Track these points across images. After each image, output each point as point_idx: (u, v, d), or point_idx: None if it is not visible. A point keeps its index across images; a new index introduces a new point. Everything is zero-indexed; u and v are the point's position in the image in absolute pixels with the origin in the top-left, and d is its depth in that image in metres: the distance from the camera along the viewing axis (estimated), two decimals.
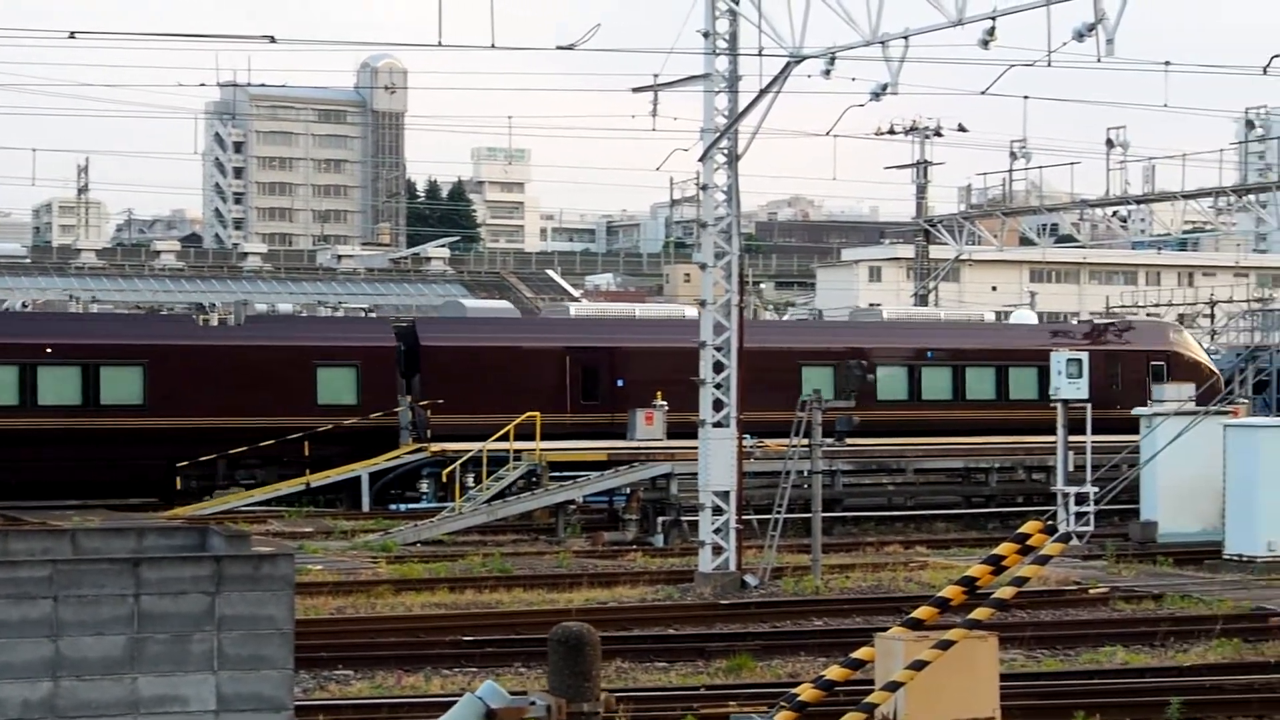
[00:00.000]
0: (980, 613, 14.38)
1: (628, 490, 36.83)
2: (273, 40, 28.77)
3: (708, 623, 24.01)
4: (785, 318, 68.87)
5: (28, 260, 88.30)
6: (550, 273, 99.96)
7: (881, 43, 25.35)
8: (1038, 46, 24.51)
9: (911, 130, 65.82)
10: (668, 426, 41.79)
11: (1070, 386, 33.83)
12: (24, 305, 46.02)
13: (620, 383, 43.72)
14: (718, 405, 27.12)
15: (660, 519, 35.73)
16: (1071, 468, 33.59)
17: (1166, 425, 30.53)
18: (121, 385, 41.11)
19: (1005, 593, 14.54)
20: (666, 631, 23.06)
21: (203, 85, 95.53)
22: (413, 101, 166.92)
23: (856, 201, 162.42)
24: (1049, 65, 24.85)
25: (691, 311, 39.54)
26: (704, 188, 27.48)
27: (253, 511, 39.52)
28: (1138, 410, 35.83)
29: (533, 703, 11.58)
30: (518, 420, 38.70)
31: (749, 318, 61.21)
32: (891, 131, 65.33)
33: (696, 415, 27.25)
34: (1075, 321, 55.10)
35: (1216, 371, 50.71)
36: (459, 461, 39.22)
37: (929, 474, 39.95)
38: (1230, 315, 78.67)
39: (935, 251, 68.19)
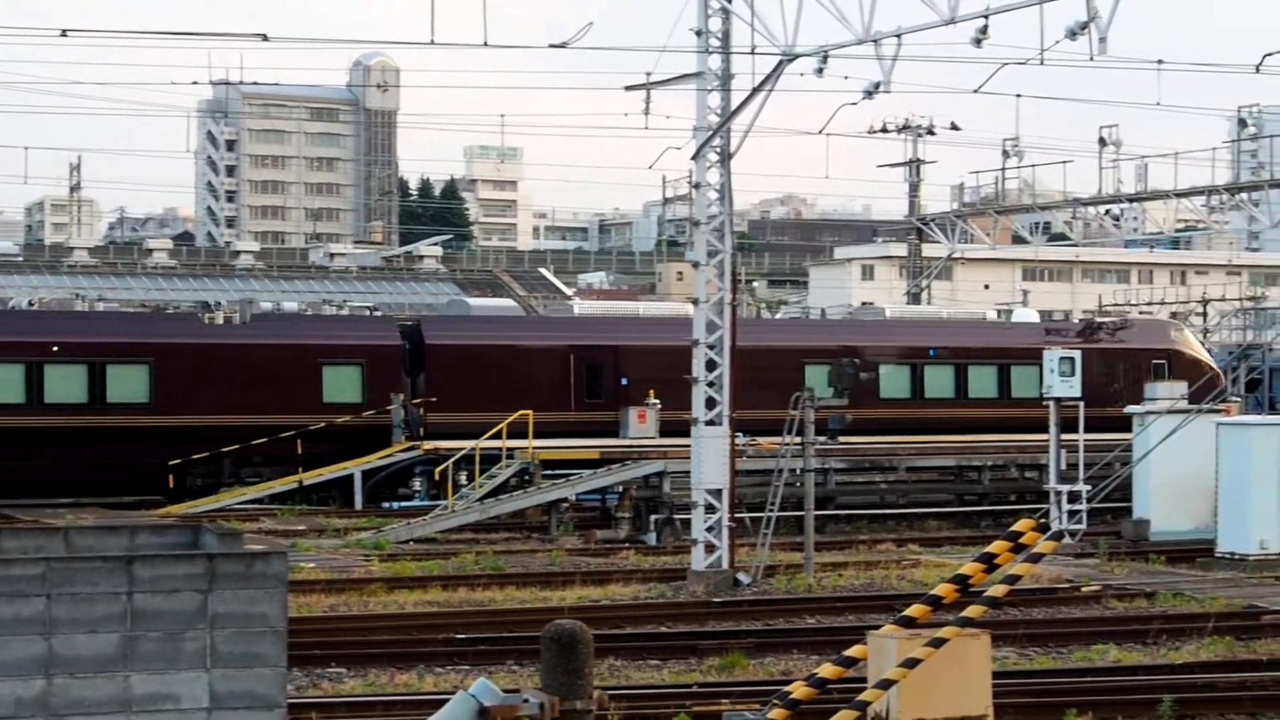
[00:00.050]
0: (973, 610, 14.40)
1: (620, 488, 36.84)
2: (265, 38, 28.75)
3: (700, 621, 24.01)
4: (788, 316, 68.86)
5: (20, 258, 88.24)
6: (543, 271, 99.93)
7: (874, 41, 25.36)
8: (1030, 45, 24.55)
9: (904, 128, 65.83)
10: (669, 424, 41.83)
11: (1063, 385, 33.79)
12: (30, 304, 46.07)
13: (624, 381, 43.84)
14: (710, 403, 27.15)
15: (653, 517, 35.76)
16: (1064, 466, 33.58)
17: (1159, 423, 30.57)
18: (127, 383, 41.24)
19: (997, 591, 14.56)
20: (659, 629, 23.07)
21: (195, 83, 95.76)
22: (405, 100, 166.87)
23: (849, 200, 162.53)
24: (1042, 64, 24.89)
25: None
26: (697, 186, 27.50)
27: (245, 510, 39.51)
28: (1130, 408, 35.89)
29: (526, 700, 11.59)
30: (510, 419, 38.73)
31: (752, 317, 61.67)
32: (884, 130, 65.33)
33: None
34: (1077, 320, 55.16)
35: (1217, 370, 50.85)
36: (451, 459, 39.23)
37: (921, 472, 39.99)
38: (1222, 314, 78.76)
39: (928, 250, 68.17)
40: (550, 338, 45.16)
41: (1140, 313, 71.93)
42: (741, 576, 26.97)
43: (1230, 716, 17.35)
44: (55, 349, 40.78)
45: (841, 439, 38.93)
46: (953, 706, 14.51)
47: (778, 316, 68.57)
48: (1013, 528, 14.69)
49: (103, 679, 10.03)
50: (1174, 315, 73.60)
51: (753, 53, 26.62)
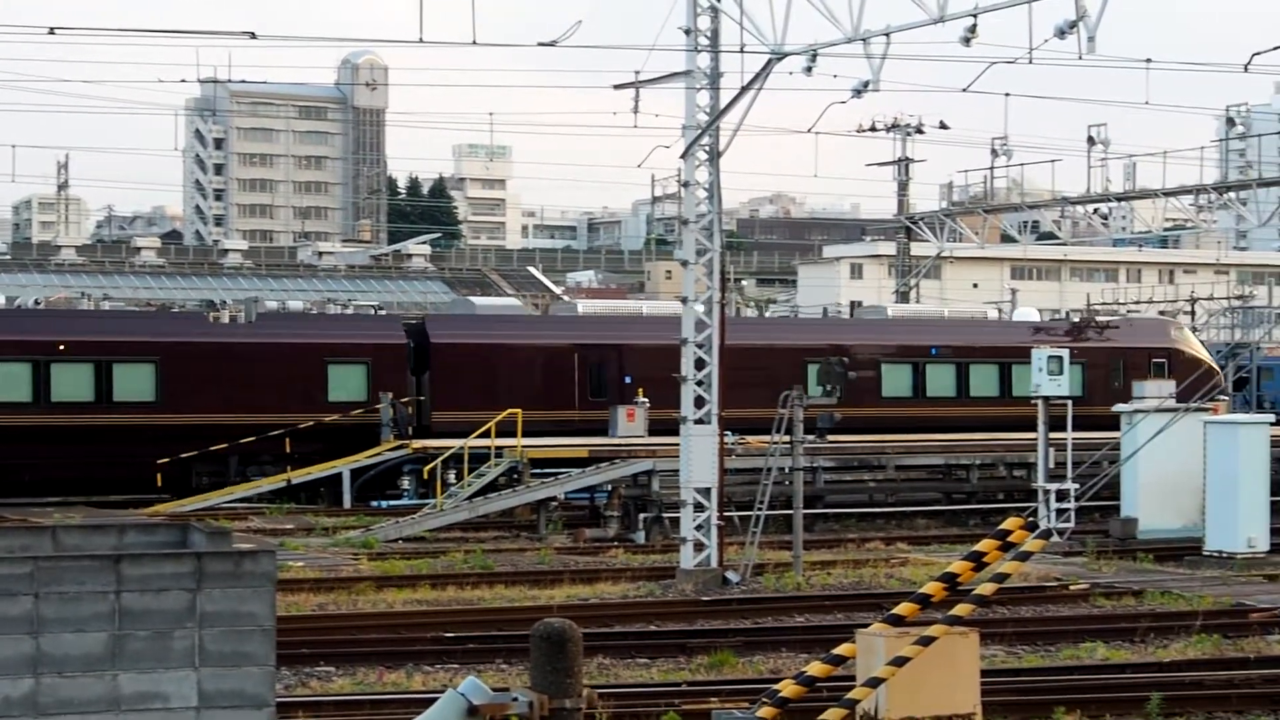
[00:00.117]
0: (961, 609, 14.42)
1: (609, 487, 36.84)
2: (253, 36, 28.72)
3: (689, 619, 24.01)
4: (795, 315, 68.96)
5: (8, 257, 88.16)
6: (531, 269, 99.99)
7: (863, 40, 25.38)
8: (1019, 44, 24.59)
9: (893, 127, 65.92)
10: (670, 423, 41.95)
11: (1051, 383, 33.79)
12: (36, 302, 46.18)
13: (628, 379, 43.97)
14: (699, 402, 27.16)
15: (642, 515, 35.75)
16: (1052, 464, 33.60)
17: (1147, 422, 30.61)
18: (134, 382, 41.34)
19: (986, 589, 14.57)
20: (648, 628, 23.06)
21: (183, 81, 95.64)
22: (394, 98, 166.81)
23: (838, 198, 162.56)
24: (1030, 62, 24.94)
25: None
26: (685, 185, 27.51)
27: (234, 508, 39.51)
28: (1118, 407, 35.93)
29: (515, 699, 11.58)
30: (499, 416, 38.76)
31: (754, 315, 61.77)
32: (873, 128, 65.45)
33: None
34: (1076, 318, 55.31)
35: (1217, 368, 51.05)
36: (440, 458, 39.25)
37: (910, 471, 40.03)
38: (1211, 312, 78.86)
39: (916, 249, 68.29)
40: (555, 337, 45.48)
41: (1129, 312, 72.06)
42: (730, 575, 26.97)
43: (1218, 714, 17.37)
44: (62, 348, 40.95)
45: (830, 437, 39.03)
46: (941, 704, 14.52)
47: (781, 315, 68.67)
48: (1001, 526, 14.70)
49: (91, 678, 10.01)
50: (1161, 314, 73.71)
51: (742, 51, 26.63)
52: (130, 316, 44.78)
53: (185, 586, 10.18)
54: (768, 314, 72.68)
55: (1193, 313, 78.49)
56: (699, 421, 27.15)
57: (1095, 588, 26.67)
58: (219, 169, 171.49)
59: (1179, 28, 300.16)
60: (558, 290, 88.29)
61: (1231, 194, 51.73)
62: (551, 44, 28.06)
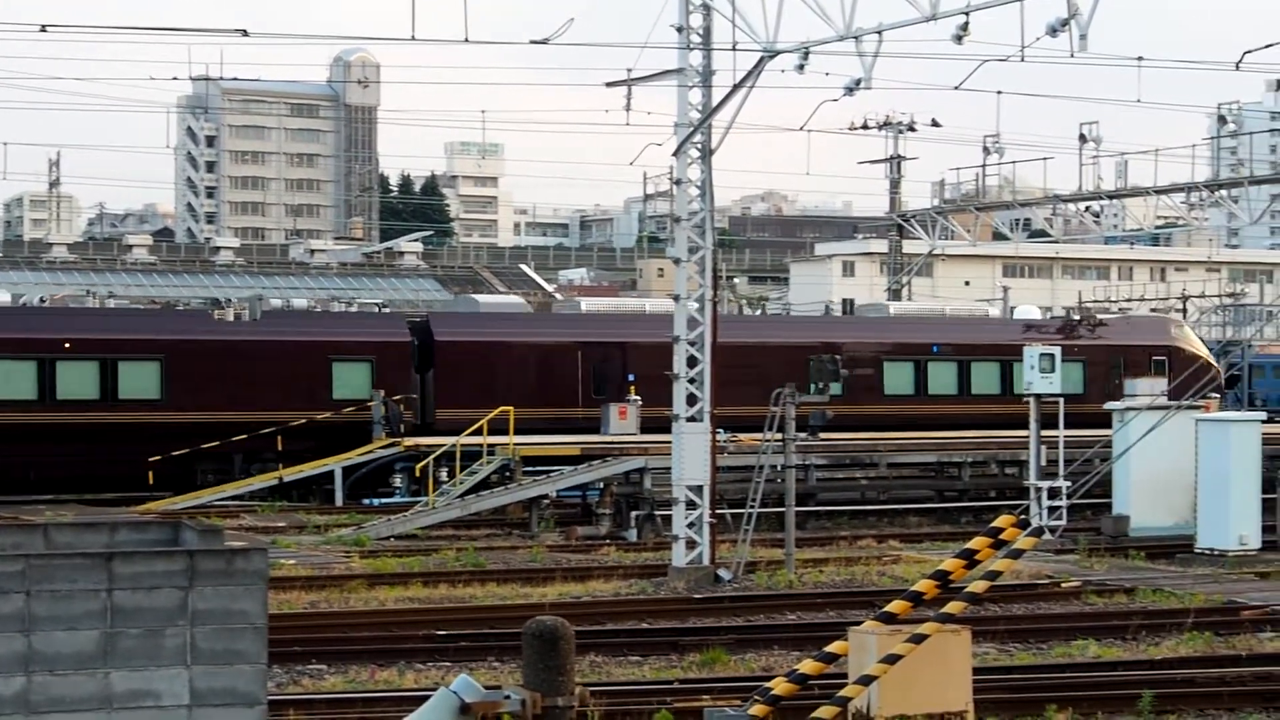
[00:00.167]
0: (953, 606, 14.43)
1: (601, 485, 36.84)
2: (245, 34, 28.69)
3: (681, 617, 24.02)
4: (783, 312, 69.01)
5: None
6: (524, 267, 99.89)
7: (855, 38, 25.37)
8: (1011, 42, 24.59)
9: (885, 125, 65.91)
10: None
11: (1042, 381, 33.81)
12: (41, 300, 46.22)
13: (631, 377, 44.05)
14: (691, 400, 27.16)
15: (634, 513, 35.76)
16: (1044, 462, 33.61)
17: (1139, 419, 30.61)
18: (139, 380, 41.40)
19: (978, 587, 14.58)
20: (640, 626, 23.05)
21: (175, 79, 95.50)
22: (386, 96, 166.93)
23: (830, 196, 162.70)
24: (1022, 60, 24.93)
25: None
26: (678, 182, 27.50)
27: (225, 506, 39.49)
28: (1109, 405, 35.96)
29: (507, 696, 11.59)
30: (491, 414, 38.78)
31: (756, 314, 61.75)
32: (865, 126, 65.45)
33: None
34: (1078, 316, 55.41)
35: (1217, 366, 51.15)
36: (432, 456, 39.25)
37: (902, 468, 40.05)
38: (1202, 310, 78.95)
39: (908, 246, 68.30)
40: (558, 334, 45.67)
41: (1120, 309, 72.10)
42: (722, 573, 26.97)
43: (1209, 712, 17.39)
44: (67, 345, 40.99)
45: (831, 435, 39.12)
46: (933, 702, 14.53)
47: (778, 314, 68.71)
48: (993, 524, 14.71)
49: (83, 676, 10.00)
50: (1153, 311, 73.78)
51: (734, 49, 26.64)
52: (135, 315, 44.89)
53: (177, 584, 10.17)
54: (769, 312, 72.69)
55: (1184, 311, 78.57)
56: (691, 419, 27.13)
57: (1087, 585, 26.70)
58: (211, 166, 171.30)
59: (1171, 26, 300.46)
60: (550, 288, 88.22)
61: (1223, 192, 51.79)
62: (544, 42, 28.06)
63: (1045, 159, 59.03)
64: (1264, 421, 33.38)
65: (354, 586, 26.22)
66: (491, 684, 13.43)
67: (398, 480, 41.41)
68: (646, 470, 35.88)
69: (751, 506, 27.33)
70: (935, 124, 65.70)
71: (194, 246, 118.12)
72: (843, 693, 14.07)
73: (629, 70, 28.73)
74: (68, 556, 10.28)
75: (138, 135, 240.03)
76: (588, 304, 50.93)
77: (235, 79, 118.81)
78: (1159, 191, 51.48)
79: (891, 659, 13.93)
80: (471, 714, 11.33)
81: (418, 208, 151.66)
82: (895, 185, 67.25)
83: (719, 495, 28.09)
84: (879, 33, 25.20)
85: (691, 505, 26.98)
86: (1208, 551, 30.28)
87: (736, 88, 26.50)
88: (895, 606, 14.51)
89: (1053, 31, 23.36)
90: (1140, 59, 36.03)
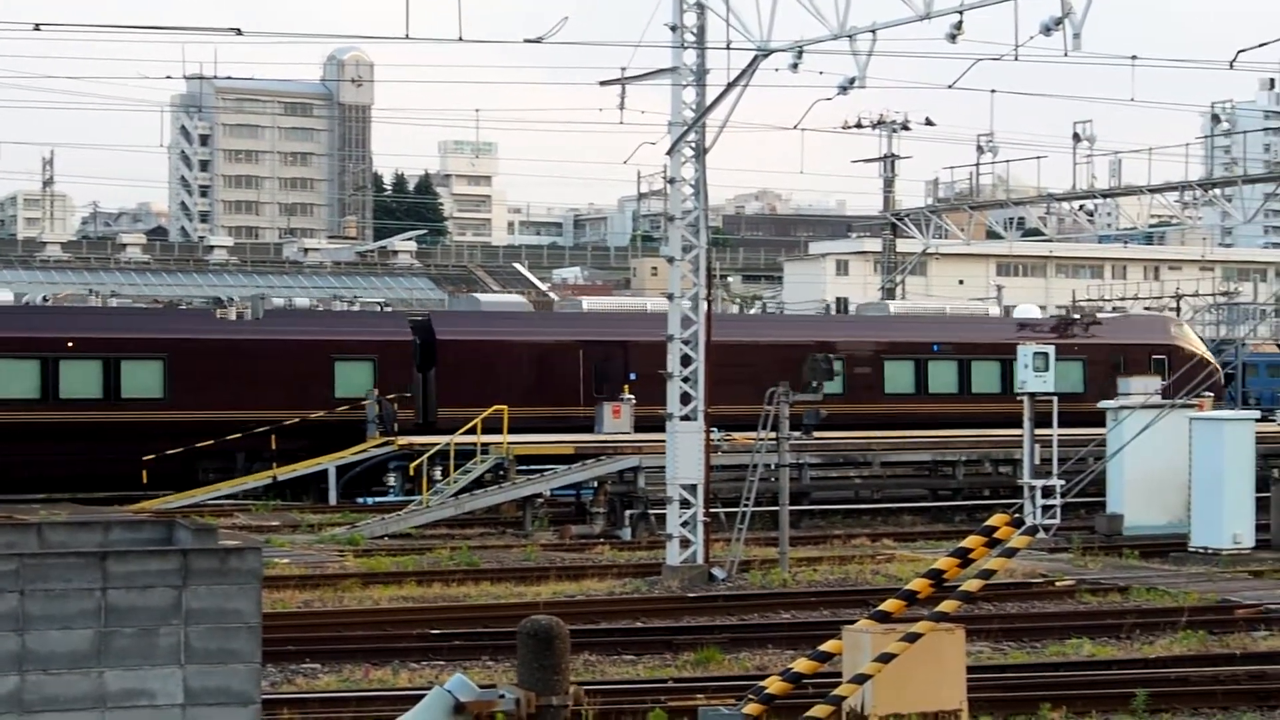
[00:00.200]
0: (947, 605, 14.42)
1: (595, 484, 36.83)
2: (239, 32, 28.67)
3: (675, 616, 24.02)
4: (778, 311, 68.99)
5: None
6: (517, 266, 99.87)
7: (849, 36, 25.38)
8: (1005, 40, 24.60)
9: (879, 124, 65.94)
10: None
11: (1037, 380, 33.86)
12: (44, 299, 46.23)
13: (633, 376, 44.09)
14: (685, 399, 27.15)
15: (628, 512, 35.75)
16: (1038, 460, 33.64)
17: (1133, 418, 30.64)
18: (142, 379, 41.43)
19: (972, 585, 14.58)
20: (634, 624, 23.06)
21: (169, 78, 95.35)
22: (379, 94, 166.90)
23: (824, 195, 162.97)
24: (1016, 59, 24.95)
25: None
26: (671, 181, 27.50)
27: (219, 505, 39.46)
28: (1103, 403, 35.98)
29: (501, 695, 11.58)
30: (486, 413, 38.78)
31: (757, 312, 61.75)
32: (859, 125, 65.48)
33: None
34: (1077, 315, 55.46)
35: (1217, 365, 51.20)
36: (426, 455, 39.25)
37: (896, 467, 40.06)
38: (1196, 309, 79.01)
39: (902, 245, 68.35)
40: (560, 333, 45.79)
41: (1114, 308, 72.16)
42: (716, 572, 26.97)
43: (1203, 710, 17.40)
44: (70, 344, 41.01)
45: (831, 434, 39.15)
46: (927, 701, 14.53)
47: (783, 312, 68.70)
48: (987, 523, 14.71)
49: (77, 675, 10.00)
50: (1147, 309, 73.86)
51: (728, 48, 26.63)
52: (137, 314, 44.92)
53: (171, 583, 10.17)
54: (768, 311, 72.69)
55: (1178, 309, 78.65)
56: (685, 418, 27.13)
57: (1081, 584, 26.71)
58: (204, 165, 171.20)
59: (1164, 25, 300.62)
60: (544, 287, 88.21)
61: (1217, 190, 51.84)
62: (538, 41, 28.03)
63: (1039, 158, 59.33)
64: (1258, 420, 33.41)
65: (348, 585, 26.21)
66: (486, 683, 13.43)
67: (392, 479, 41.40)
68: (641, 469, 35.86)
69: (745, 505, 27.33)
70: (929, 123, 65.77)
71: (188, 245, 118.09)
72: (837, 691, 14.07)
73: (623, 69, 28.72)
74: (62, 556, 10.27)
75: (131, 134, 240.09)
76: (589, 303, 50.99)
77: (229, 78, 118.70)
78: (1153, 190, 51.50)
79: (886, 658, 13.93)
80: (466, 713, 11.32)
81: (411, 206, 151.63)
82: (889, 184, 67.29)
83: (713, 494, 28.09)
84: (873, 31, 25.21)
85: (685, 504, 26.98)
86: (1202, 550, 30.30)
87: (730, 86, 26.51)
88: (889, 605, 14.51)
89: (1046, 30, 23.39)
90: (1134, 58, 36.05)
